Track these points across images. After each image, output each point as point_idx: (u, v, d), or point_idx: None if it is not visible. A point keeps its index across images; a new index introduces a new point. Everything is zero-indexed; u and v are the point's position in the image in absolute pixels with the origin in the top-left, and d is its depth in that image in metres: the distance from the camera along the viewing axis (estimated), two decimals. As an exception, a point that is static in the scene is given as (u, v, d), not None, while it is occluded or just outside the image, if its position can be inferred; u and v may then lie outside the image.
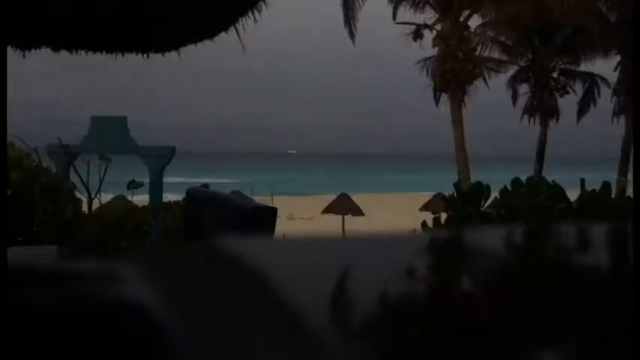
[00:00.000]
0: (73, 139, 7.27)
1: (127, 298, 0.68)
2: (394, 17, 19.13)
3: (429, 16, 19.22)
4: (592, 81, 21.70)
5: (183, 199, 6.69)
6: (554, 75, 21.36)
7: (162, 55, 6.59)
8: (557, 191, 6.17)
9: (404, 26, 19.41)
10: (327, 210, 21.77)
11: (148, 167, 7.16)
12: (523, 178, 6.46)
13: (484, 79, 20.16)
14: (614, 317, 0.67)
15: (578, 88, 21.79)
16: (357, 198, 22.49)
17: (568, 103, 21.52)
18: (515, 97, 21.73)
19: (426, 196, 21.74)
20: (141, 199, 7.08)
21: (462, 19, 18.69)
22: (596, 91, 21.74)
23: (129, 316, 0.64)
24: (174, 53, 6.56)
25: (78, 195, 5.90)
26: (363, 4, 17.97)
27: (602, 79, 21.54)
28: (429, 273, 0.95)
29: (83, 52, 6.47)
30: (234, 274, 0.85)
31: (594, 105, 21.70)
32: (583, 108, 21.95)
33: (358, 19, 18.16)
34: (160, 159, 7.17)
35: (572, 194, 6.49)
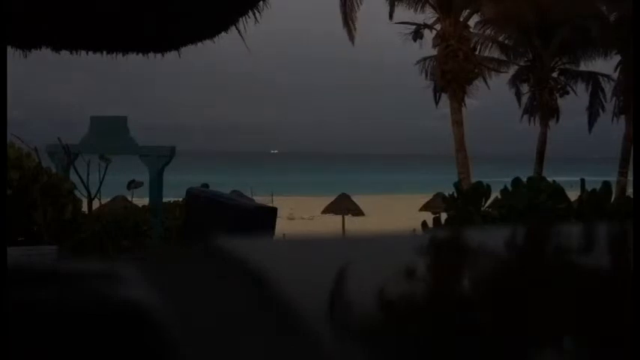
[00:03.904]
0: (72, 139, 7.26)
1: (127, 299, 0.68)
2: (390, 17, 19.13)
3: (428, 16, 19.26)
4: (595, 82, 21.51)
5: (183, 199, 6.69)
6: (554, 75, 21.33)
7: (163, 56, 6.59)
8: (558, 191, 6.17)
9: (401, 26, 19.46)
10: (327, 210, 21.80)
11: (147, 167, 7.15)
12: (523, 178, 6.47)
13: (484, 79, 20.16)
14: (614, 317, 0.66)
15: (580, 88, 21.73)
16: (356, 198, 22.49)
17: (568, 103, 21.50)
18: (519, 96, 21.65)
19: (426, 196, 21.74)
20: (141, 199, 7.08)
21: (461, 19, 18.70)
22: (601, 94, 21.59)
23: (129, 316, 0.64)
24: (174, 53, 6.57)
25: (78, 195, 5.90)
26: (361, 4, 17.98)
27: (604, 76, 21.39)
28: (429, 272, 0.95)
29: (83, 52, 6.47)
30: (234, 274, 0.84)
31: (603, 111, 21.48)
32: (592, 114, 21.72)
33: (357, 19, 18.14)
34: (160, 159, 7.15)
35: (573, 195, 6.49)
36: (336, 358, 0.55)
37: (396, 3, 19.03)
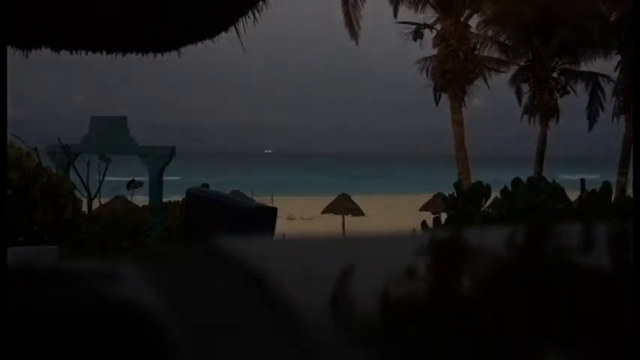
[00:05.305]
0: (73, 139, 7.27)
1: (127, 299, 0.68)
2: (395, 15, 19.13)
3: (429, 15, 19.27)
4: (595, 82, 21.46)
5: (183, 199, 6.69)
6: (554, 75, 21.30)
7: (162, 55, 6.59)
8: (558, 191, 6.18)
9: (402, 26, 19.46)
10: (327, 210, 21.80)
11: (147, 167, 7.15)
12: (523, 178, 6.47)
13: (484, 79, 20.15)
14: (614, 317, 0.66)
15: (580, 88, 21.67)
16: (356, 198, 22.48)
17: (568, 103, 21.46)
18: (519, 95, 21.59)
19: (426, 196, 21.74)
20: (141, 199, 7.08)
21: (462, 19, 18.71)
22: (601, 94, 21.53)
23: (128, 316, 0.64)
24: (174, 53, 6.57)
25: (78, 195, 5.90)
26: (365, 1, 18.01)
27: (604, 76, 21.34)
28: (429, 272, 0.95)
29: (83, 52, 6.47)
30: (234, 274, 0.84)
31: (603, 111, 21.42)
32: (592, 115, 21.66)
33: (362, 17, 18.16)
34: (160, 159, 7.16)
35: (573, 195, 6.49)
36: (336, 358, 0.55)
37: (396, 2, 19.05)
